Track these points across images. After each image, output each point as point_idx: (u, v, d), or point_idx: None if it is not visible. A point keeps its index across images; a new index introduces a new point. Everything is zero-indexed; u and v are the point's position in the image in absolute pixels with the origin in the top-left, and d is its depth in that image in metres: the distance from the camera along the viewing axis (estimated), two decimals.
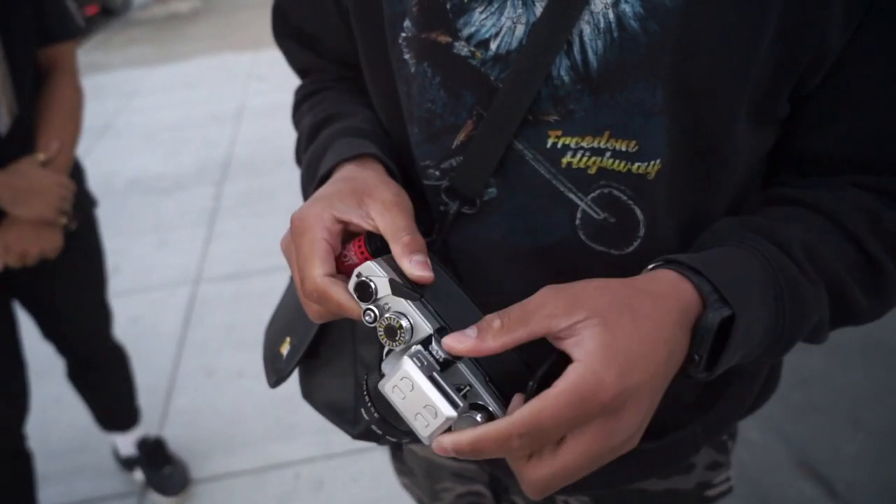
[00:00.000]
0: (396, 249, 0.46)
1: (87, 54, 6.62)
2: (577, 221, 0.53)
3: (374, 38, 0.56)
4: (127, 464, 1.88)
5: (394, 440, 0.51)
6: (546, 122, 0.50)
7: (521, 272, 0.56)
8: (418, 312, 0.43)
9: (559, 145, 0.51)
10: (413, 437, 0.45)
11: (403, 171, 0.59)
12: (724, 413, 0.65)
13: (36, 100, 1.30)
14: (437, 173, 0.56)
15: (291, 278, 0.70)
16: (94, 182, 1.65)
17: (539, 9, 0.48)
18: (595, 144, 0.50)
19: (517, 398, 0.42)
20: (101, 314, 1.62)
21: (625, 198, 0.51)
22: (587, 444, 0.40)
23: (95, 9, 7.79)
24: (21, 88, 1.23)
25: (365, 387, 0.48)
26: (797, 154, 0.56)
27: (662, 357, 0.42)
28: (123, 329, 1.97)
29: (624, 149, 0.50)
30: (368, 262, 0.45)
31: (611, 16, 0.47)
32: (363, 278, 0.45)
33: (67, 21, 1.36)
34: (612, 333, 0.40)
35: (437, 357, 0.42)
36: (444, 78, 0.52)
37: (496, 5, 0.49)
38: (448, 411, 0.40)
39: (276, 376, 0.65)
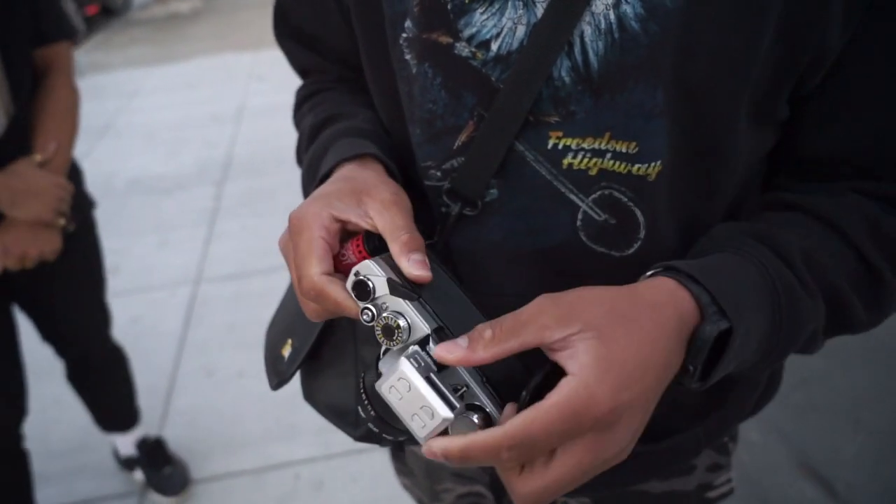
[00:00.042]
0: (395, 248, 0.46)
1: (87, 54, 6.62)
2: (579, 223, 0.53)
3: (374, 37, 0.56)
4: (127, 464, 1.88)
5: (391, 439, 0.51)
6: (547, 124, 0.50)
7: (522, 273, 0.56)
8: (416, 312, 0.43)
9: (560, 146, 0.50)
10: (410, 437, 0.45)
11: (404, 172, 0.59)
12: (725, 417, 0.64)
13: (32, 101, 1.30)
14: (439, 174, 0.56)
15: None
16: (95, 182, 1.65)
17: (540, 10, 0.48)
18: (596, 146, 0.50)
19: (510, 408, 0.42)
20: (100, 315, 1.62)
21: (625, 199, 0.51)
22: (579, 458, 0.40)
23: (95, 9, 7.79)
24: (17, 89, 1.23)
25: (362, 385, 0.48)
26: (797, 156, 0.56)
27: (658, 370, 0.41)
28: (123, 329, 1.97)
29: (624, 150, 0.49)
30: (366, 261, 0.45)
31: (612, 17, 0.46)
32: (361, 277, 0.44)
33: (63, 22, 1.36)
34: (607, 346, 0.39)
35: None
36: (445, 79, 0.52)
37: (497, 6, 0.49)
38: (444, 413, 0.40)
39: (277, 378, 0.65)
